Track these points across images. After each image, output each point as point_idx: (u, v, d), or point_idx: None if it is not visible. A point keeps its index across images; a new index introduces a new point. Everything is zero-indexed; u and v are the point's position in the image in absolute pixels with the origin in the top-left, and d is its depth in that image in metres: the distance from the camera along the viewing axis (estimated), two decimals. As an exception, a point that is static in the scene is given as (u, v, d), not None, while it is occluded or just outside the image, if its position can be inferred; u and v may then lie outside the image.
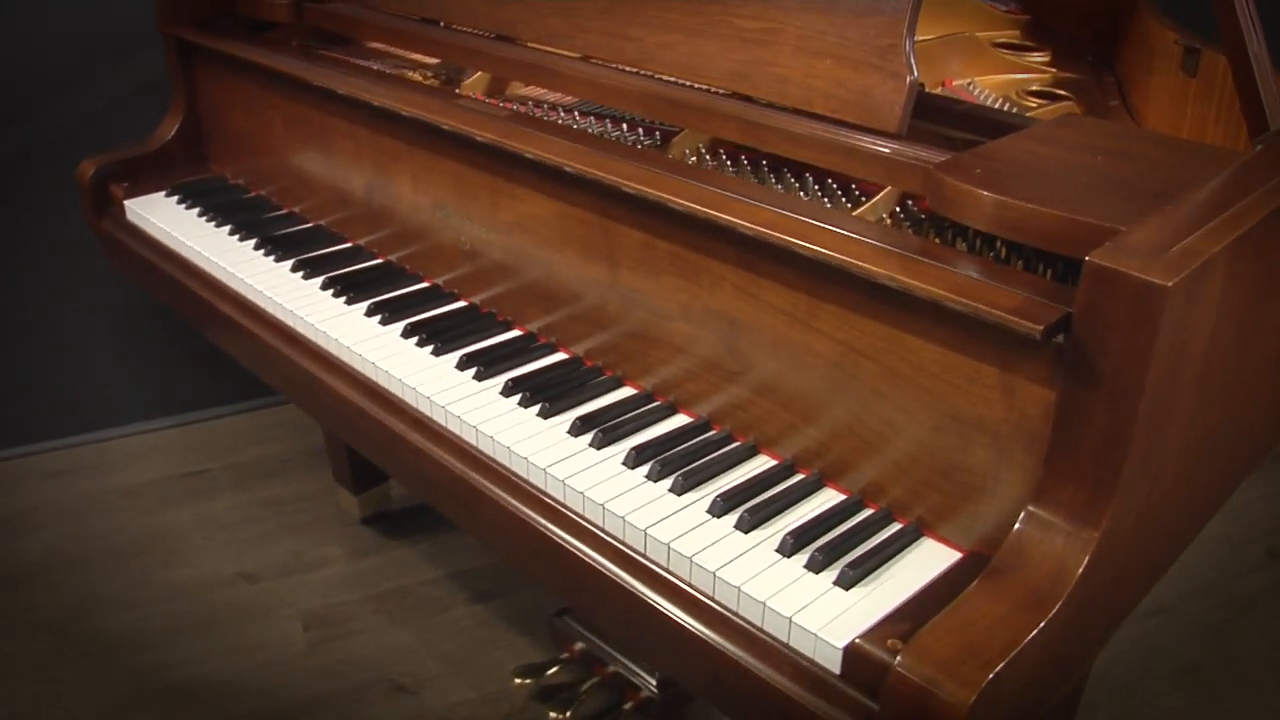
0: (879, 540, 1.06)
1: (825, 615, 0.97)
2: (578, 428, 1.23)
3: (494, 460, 1.24)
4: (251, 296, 1.61)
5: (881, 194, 1.22)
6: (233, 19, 1.93)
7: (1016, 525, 0.95)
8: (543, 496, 1.18)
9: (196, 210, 1.84)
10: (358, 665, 2.10)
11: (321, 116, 1.67)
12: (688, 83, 1.33)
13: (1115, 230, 0.92)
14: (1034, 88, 1.67)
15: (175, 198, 1.89)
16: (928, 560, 1.05)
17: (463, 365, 1.37)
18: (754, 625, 1.00)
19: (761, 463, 1.18)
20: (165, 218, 1.82)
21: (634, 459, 1.18)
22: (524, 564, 1.22)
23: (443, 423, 1.30)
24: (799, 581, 1.02)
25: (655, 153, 1.35)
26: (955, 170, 1.04)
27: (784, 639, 0.99)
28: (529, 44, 1.53)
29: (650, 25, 1.37)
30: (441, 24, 1.68)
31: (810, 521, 1.08)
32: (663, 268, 1.22)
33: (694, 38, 1.32)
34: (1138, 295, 0.85)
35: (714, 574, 1.03)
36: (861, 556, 1.03)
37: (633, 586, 1.08)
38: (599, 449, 1.21)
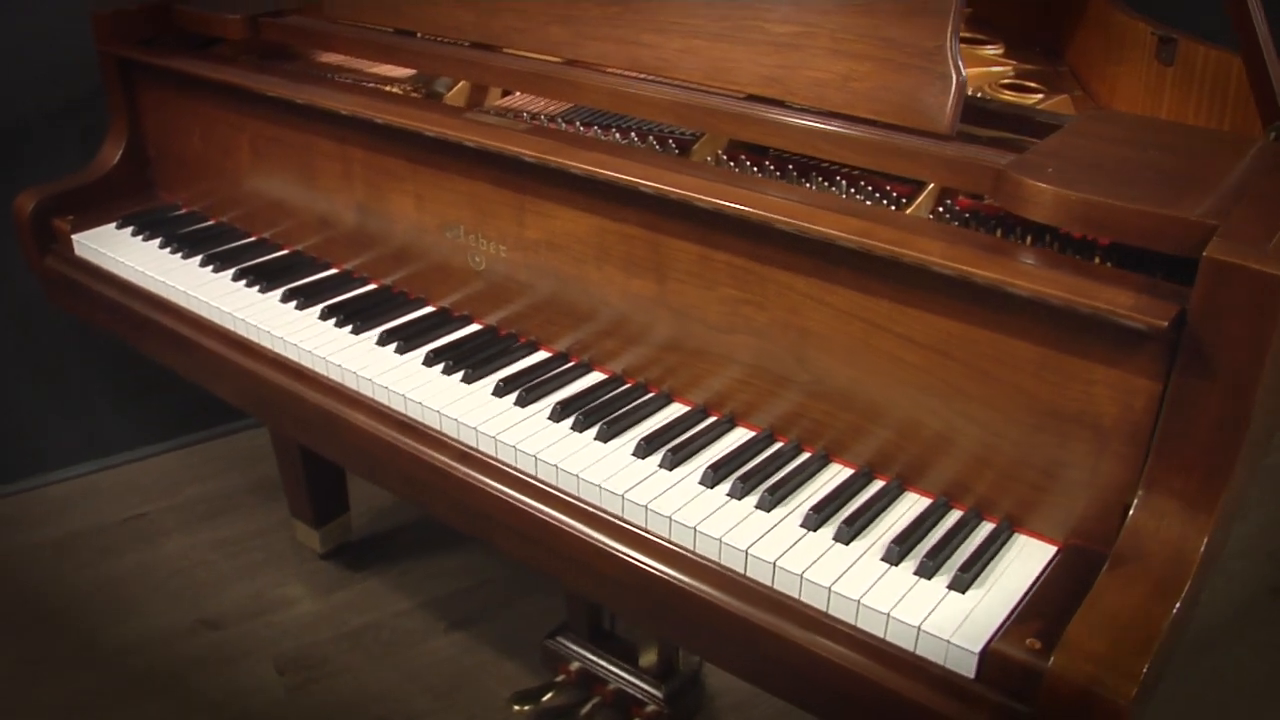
0: (979, 541, 1.06)
1: (951, 621, 0.97)
2: (643, 449, 1.20)
3: (559, 489, 1.19)
4: (242, 331, 1.51)
5: (923, 195, 1.23)
6: (173, 37, 1.81)
7: (1130, 515, 0.97)
8: (621, 523, 1.14)
9: (157, 242, 1.72)
10: (343, 708, 2.01)
11: (302, 136, 1.58)
12: (715, 89, 1.31)
13: (1206, 225, 0.95)
14: (1005, 81, 1.71)
15: (129, 229, 1.76)
16: (1028, 557, 1.06)
17: (500, 391, 1.31)
18: (876, 638, 1.00)
19: (837, 472, 1.18)
20: (124, 252, 1.70)
21: (711, 478, 1.15)
22: (609, 597, 1.19)
23: (492, 452, 1.25)
24: (914, 590, 1.01)
25: (708, 164, 1.32)
26: (1028, 170, 1.05)
27: (910, 648, 0.98)
28: (528, 54, 1.48)
29: (668, 31, 1.34)
30: (420, 35, 1.61)
31: (908, 527, 1.08)
32: (720, 280, 1.20)
33: (719, 43, 1.30)
34: (1257, 286, 0.88)
35: (829, 589, 1.02)
36: (970, 559, 1.03)
37: (740, 609, 1.06)
38: (670, 469, 1.18)
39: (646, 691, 1.83)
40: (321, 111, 1.51)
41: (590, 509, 1.17)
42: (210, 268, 1.64)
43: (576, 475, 1.17)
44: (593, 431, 1.23)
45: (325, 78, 1.66)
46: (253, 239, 1.73)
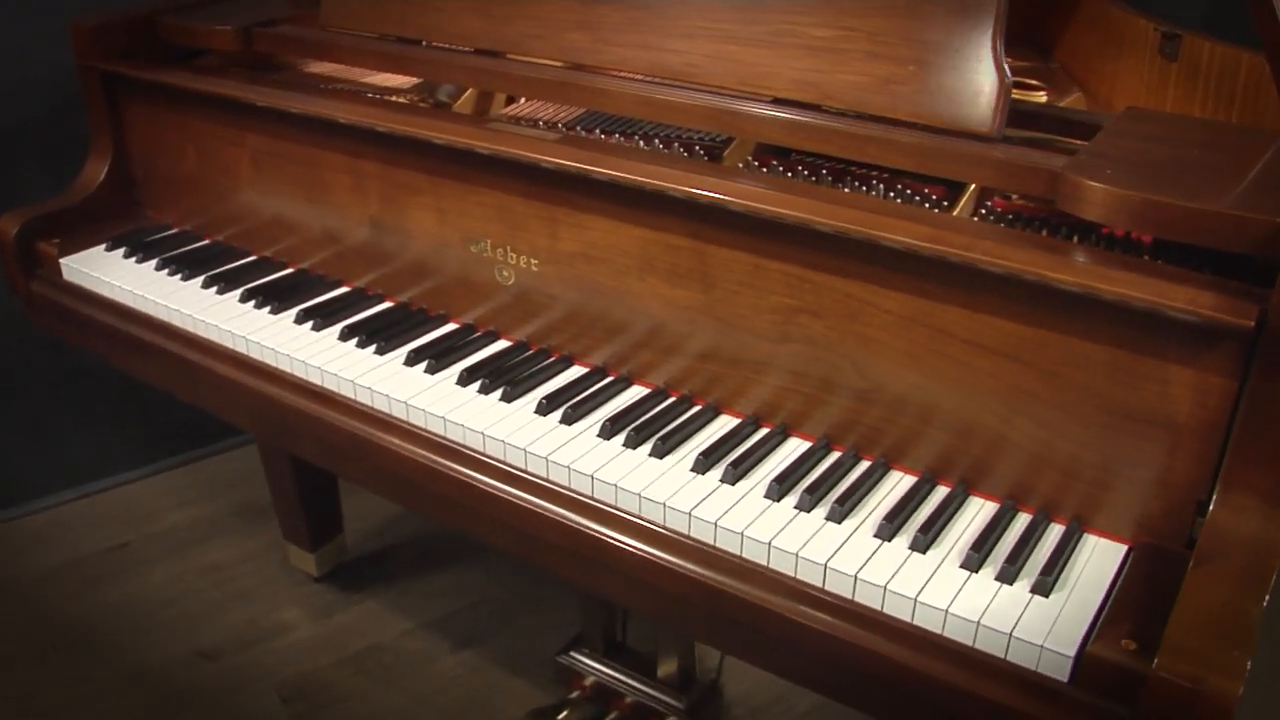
0: (1053, 543, 1.07)
1: (1041, 625, 0.97)
2: (701, 463, 1.18)
3: (619, 508, 1.17)
4: (256, 354, 1.45)
5: (965, 197, 1.23)
6: (157, 50, 1.74)
7: (1210, 513, 0.98)
8: (689, 541, 1.12)
9: (153, 264, 1.65)
10: (353, 734, 1.96)
11: (309, 151, 1.53)
12: (747, 94, 1.30)
13: (1275, 223, 0.96)
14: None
15: (120, 251, 1.69)
16: (1101, 556, 1.06)
17: (543, 409, 1.28)
18: (965, 646, 0.99)
19: (899, 479, 1.17)
20: (119, 275, 1.63)
21: (777, 491, 1.14)
22: (675, 615, 1.17)
23: (543, 473, 1.22)
24: (1000, 595, 1.01)
25: (763, 173, 1.31)
26: (1086, 171, 1.06)
27: (1001, 655, 0.98)
28: (545, 61, 1.45)
29: (696, 36, 1.33)
30: (425, 44, 1.57)
31: (982, 533, 1.08)
32: (773, 288, 1.19)
33: (752, 47, 1.29)
34: (1339, 284, 0.89)
35: (914, 600, 1.01)
36: (1049, 562, 1.03)
37: (820, 622, 1.05)
38: (733, 484, 1.16)
39: (667, 703, 1.81)
40: (333, 124, 1.47)
41: (654, 528, 1.14)
42: (214, 289, 1.58)
43: (638, 494, 1.15)
44: (646, 448, 1.21)
45: (329, 89, 1.61)
46: (254, 258, 1.67)
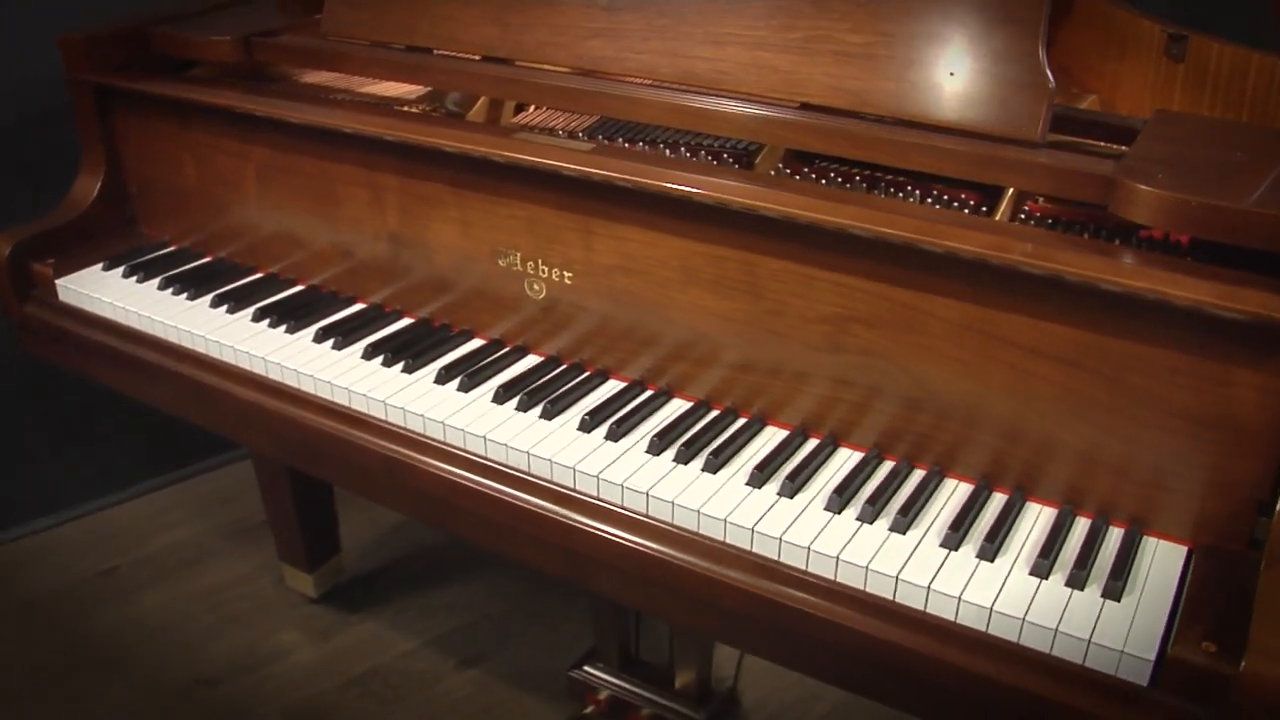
0: (1116, 547, 1.07)
1: (1118, 630, 0.98)
2: (757, 477, 1.17)
3: (677, 526, 1.15)
4: (277, 375, 1.41)
5: (1004, 202, 1.23)
6: (149, 61, 1.68)
7: (1278, 512, 0.99)
8: (749, 556, 1.11)
9: (155, 283, 1.60)
10: (363, 759, 1.92)
11: (320, 164, 1.49)
12: (780, 101, 1.29)
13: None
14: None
15: (118, 271, 1.63)
16: (1164, 558, 1.07)
17: (586, 426, 1.26)
18: (1042, 654, 0.99)
19: (955, 487, 1.17)
20: (120, 295, 1.57)
21: (837, 503, 1.13)
22: (736, 633, 1.15)
23: (594, 492, 1.20)
24: (1073, 602, 1.01)
25: (815, 184, 1.30)
26: (1140, 176, 1.06)
27: (1079, 661, 0.98)
28: (564, 69, 1.43)
29: (726, 43, 1.31)
30: (436, 52, 1.54)
31: (1047, 540, 1.08)
32: (825, 298, 1.18)
33: (785, 54, 1.28)
34: None
35: (989, 610, 1.01)
36: (1116, 566, 1.04)
37: (890, 635, 1.04)
38: (791, 497, 1.15)
39: (685, 714, 1.80)
40: (351, 136, 1.43)
41: (715, 545, 1.13)
42: (224, 308, 1.53)
43: (696, 511, 1.13)
44: (698, 463, 1.20)
45: (340, 100, 1.57)
46: (260, 275, 1.63)
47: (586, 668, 1.88)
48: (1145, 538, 1.10)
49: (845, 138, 1.22)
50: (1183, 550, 1.08)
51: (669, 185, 1.20)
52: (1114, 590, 1.02)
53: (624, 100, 1.34)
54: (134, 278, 1.62)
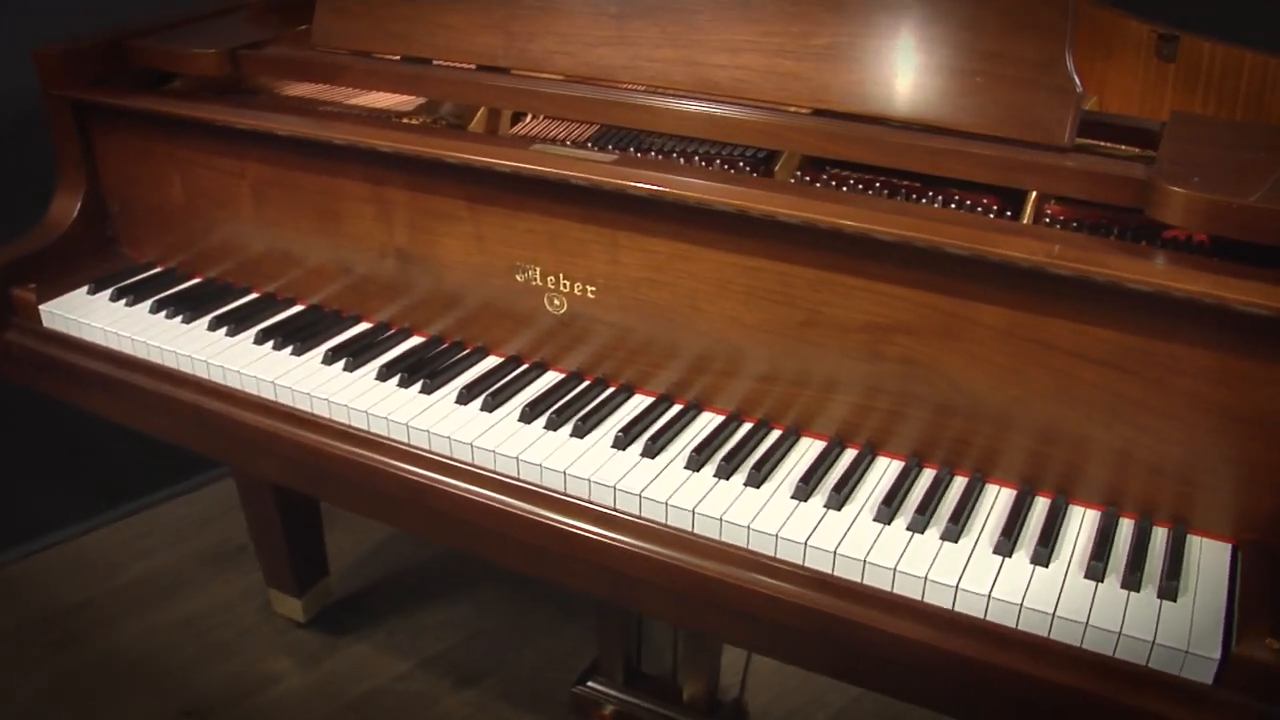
0: (1164, 546, 1.08)
1: (1180, 630, 0.99)
2: (802, 490, 1.16)
3: (726, 544, 1.13)
4: (287, 400, 1.36)
5: (1028, 207, 1.24)
6: (128, 76, 1.62)
7: (1325, 510, 1.01)
8: (803, 572, 1.10)
9: (147, 306, 1.53)
10: (366, 787, 1.87)
11: (321, 179, 1.44)
12: (800, 109, 1.28)
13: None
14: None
15: (105, 294, 1.57)
16: (1211, 556, 1.08)
17: (620, 443, 1.24)
18: (1106, 657, 1.00)
19: (998, 492, 1.17)
20: (111, 320, 1.50)
21: (886, 514, 1.13)
22: (790, 648, 1.14)
23: (636, 511, 1.17)
24: (1131, 604, 1.02)
25: (860, 194, 1.29)
26: (1174, 179, 1.07)
27: (1143, 663, 0.99)
28: (573, 79, 1.40)
29: (743, 50, 1.30)
30: (434, 63, 1.50)
31: (1096, 542, 1.08)
32: (863, 307, 1.17)
33: (803, 61, 1.27)
34: None
35: (1051, 615, 1.01)
36: (1168, 567, 1.05)
37: (954, 646, 1.04)
38: (838, 509, 1.14)
39: (692, 728, 1.79)
40: (355, 150, 1.39)
41: (766, 560, 1.11)
42: (223, 330, 1.47)
43: (745, 527, 1.12)
44: (740, 477, 1.18)
45: (344, 114, 1.53)
46: (257, 295, 1.57)
47: (591, 683, 1.85)
48: (1189, 536, 1.11)
49: (875, 145, 1.22)
50: (1227, 547, 1.10)
51: (715, 199, 1.18)
52: (1170, 590, 1.03)
53: (648, 111, 1.31)
54: (123, 301, 1.55)
